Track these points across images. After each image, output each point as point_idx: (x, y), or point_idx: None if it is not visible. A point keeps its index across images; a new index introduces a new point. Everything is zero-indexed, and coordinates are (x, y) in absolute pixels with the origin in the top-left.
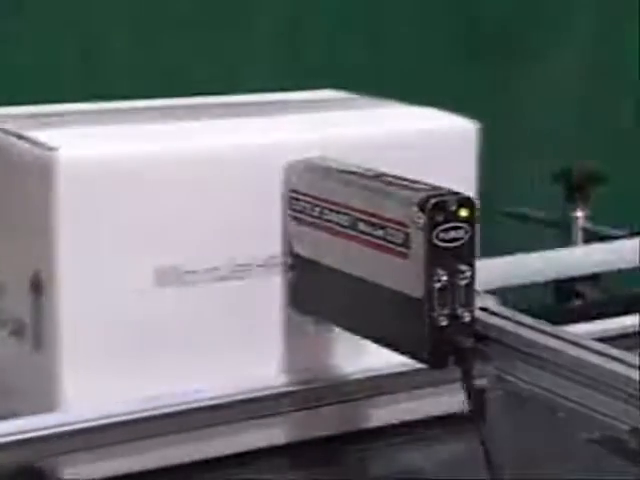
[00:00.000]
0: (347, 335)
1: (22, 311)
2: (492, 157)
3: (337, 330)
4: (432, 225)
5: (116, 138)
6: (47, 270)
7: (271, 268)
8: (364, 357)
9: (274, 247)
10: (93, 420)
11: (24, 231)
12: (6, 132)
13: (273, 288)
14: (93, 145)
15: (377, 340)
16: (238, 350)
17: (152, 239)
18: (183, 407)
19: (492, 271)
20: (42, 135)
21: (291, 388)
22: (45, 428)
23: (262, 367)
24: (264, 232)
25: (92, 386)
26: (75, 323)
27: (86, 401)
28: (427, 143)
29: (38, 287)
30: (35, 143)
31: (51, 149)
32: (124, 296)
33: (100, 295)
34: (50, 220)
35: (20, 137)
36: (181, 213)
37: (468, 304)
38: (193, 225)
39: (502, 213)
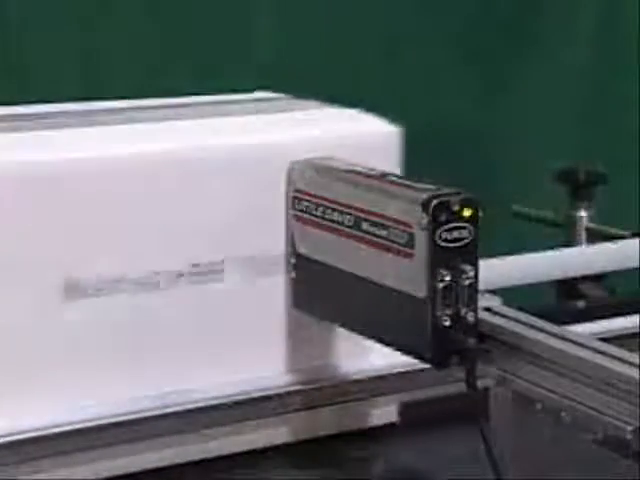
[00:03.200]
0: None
1: None
2: (491, 155)
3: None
4: (435, 225)
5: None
6: None
7: None
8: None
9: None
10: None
11: None
12: None
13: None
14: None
15: (380, 340)
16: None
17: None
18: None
19: (495, 271)
20: None
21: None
22: None
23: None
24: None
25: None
26: None
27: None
28: (349, 145)
29: None
30: None
31: None
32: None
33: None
34: None
35: None
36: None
37: (471, 304)
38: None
39: (510, 213)
